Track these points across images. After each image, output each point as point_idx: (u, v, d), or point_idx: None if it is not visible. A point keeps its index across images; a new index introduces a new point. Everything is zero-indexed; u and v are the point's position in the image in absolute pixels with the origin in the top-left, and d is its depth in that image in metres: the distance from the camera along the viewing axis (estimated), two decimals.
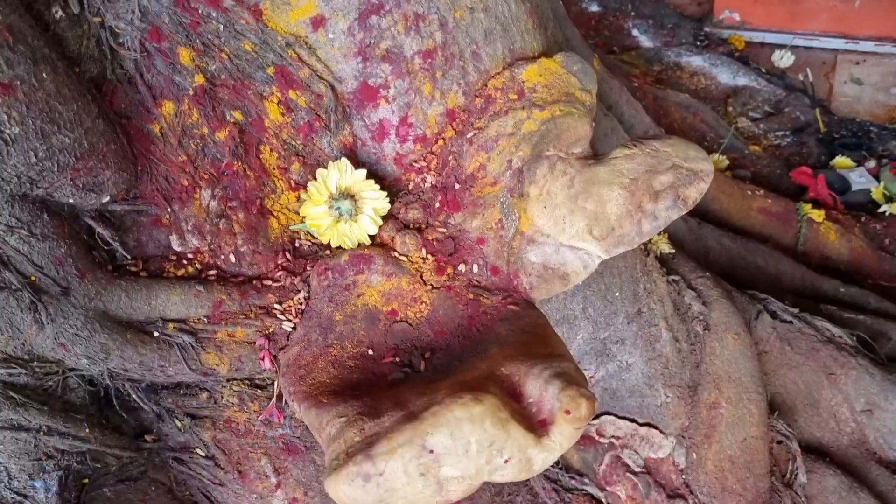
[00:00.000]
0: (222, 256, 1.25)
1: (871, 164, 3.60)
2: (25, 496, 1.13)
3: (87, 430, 1.16)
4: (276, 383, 1.27)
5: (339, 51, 1.23)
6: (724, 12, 4.70)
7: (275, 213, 1.31)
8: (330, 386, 1.10)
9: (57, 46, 1.08)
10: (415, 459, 0.92)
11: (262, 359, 1.22)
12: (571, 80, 1.33)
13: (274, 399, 1.27)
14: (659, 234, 2.09)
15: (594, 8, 4.86)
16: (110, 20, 1.10)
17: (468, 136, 1.28)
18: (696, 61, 4.41)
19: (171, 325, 1.18)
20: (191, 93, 1.18)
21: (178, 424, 1.25)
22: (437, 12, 1.24)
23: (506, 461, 0.94)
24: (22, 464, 1.11)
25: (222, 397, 1.27)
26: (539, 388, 1.00)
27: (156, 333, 1.17)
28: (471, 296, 1.20)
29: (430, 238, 1.25)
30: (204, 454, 1.27)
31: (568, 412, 0.96)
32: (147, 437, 1.25)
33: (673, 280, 1.99)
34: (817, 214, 3.02)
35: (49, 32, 1.08)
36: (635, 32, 4.68)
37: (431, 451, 0.92)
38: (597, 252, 1.22)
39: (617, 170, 1.22)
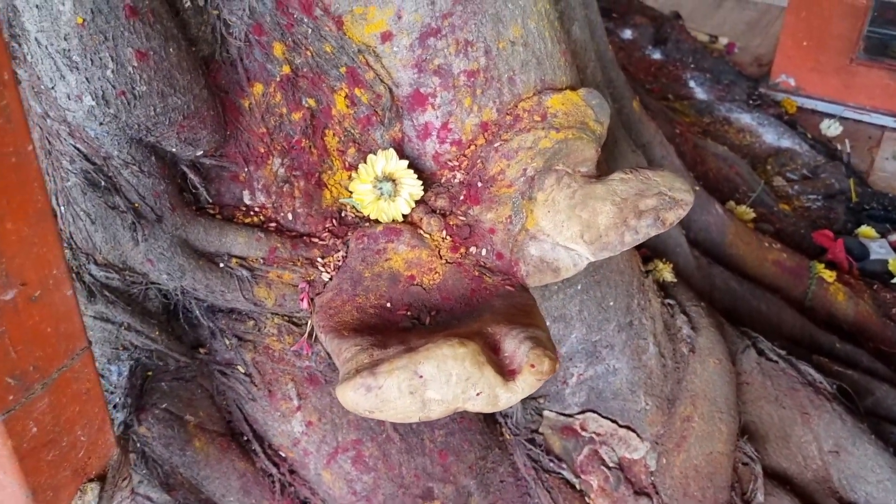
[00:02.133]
0: (282, 214, 1.54)
1: (895, 237, 3.77)
2: (102, 376, 1.42)
3: (157, 333, 1.45)
4: (309, 323, 1.55)
5: (400, 62, 1.51)
6: (780, 76, 4.91)
7: (329, 187, 1.60)
8: (351, 324, 1.38)
9: (182, 28, 1.38)
10: (407, 380, 1.19)
11: (302, 299, 1.50)
12: (588, 111, 1.59)
13: (305, 335, 1.55)
14: (664, 263, 2.33)
15: (657, 56, 5.09)
16: (225, 14, 1.40)
17: (495, 145, 1.56)
18: (744, 118, 4.62)
19: (234, 260, 1.47)
20: (277, 79, 1.48)
21: (227, 343, 1.53)
22: (484, 41, 1.52)
23: (477, 394, 1.21)
24: (104, 349, 1.41)
25: (265, 327, 1.55)
26: (514, 346, 1.26)
27: (221, 265, 1.47)
28: (476, 273, 1.47)
29: (451, 223, 1.52)
30: (243, 371, 1.56)
31: (533, 366, 1.22)
32: (201, 350, 1.54)
33: (668, 303, 2.23)
34: (829, 275, 3.22)
35: (178, 17, 1.38)
36: (692, 84, 4.90)
37: (421, 377, 1.19)
38: (585, 254, 1.48)
39: (612, 189, 1.48)
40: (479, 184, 1.54)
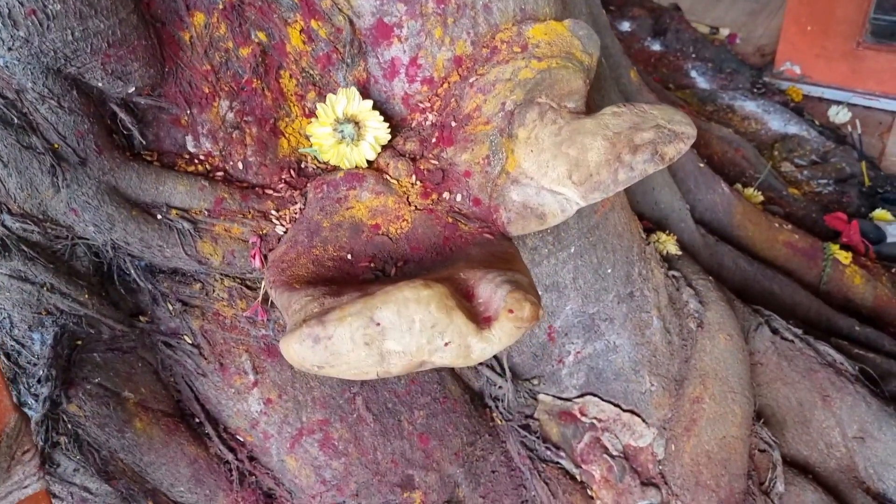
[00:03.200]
0: (231, 162, 1.36)
1: None
2: (23, 345, 1.24)
3: (87, 296, 1.27)
4: (263, 284, 1.37)
5: None
6: (785, 63, 4.74)
7: (286, 135, 1.42)
8: (306, 278, 1.20)
9: None
10: (361, 329, 1.00)
11: (254, 256, 1.32)
12: (575, 42, 1.42)
13: (259, 298, 1.37)
14: (668, 235, 2.14)
15: (656, 47, 4.93)
16: None
17: (470, 80, 1.38)
18: (749, 106, 4.45)
19: (174, 211, 1.30)
20: (221, 7, 1.31)
21: (170, 308, 1.35)
22: None
23: (445, 344, 1.02)
24: (24, 314, 1.23)
25: (214, 290, 1.37)
26: (490, 291, 1.08)
27: (159, 216, 1.29)
28: (450, 220, 1.28)
29: (421, 167, 1.34)
30: (190, 342, 1.37)
31: (511, 311, 1.03)
32: (141, 318, 1.36)
33: (673, 276, 2.04)
34: (844, 256, 3.02)
35: None
36: (693, 73, 4.74)
37: (378, 324, 1.01)
38: (574, 198, 1.30)
39: (603, 123, 1.30)
40: (453, 123, 1.36)
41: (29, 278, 1.22)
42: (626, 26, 5.05)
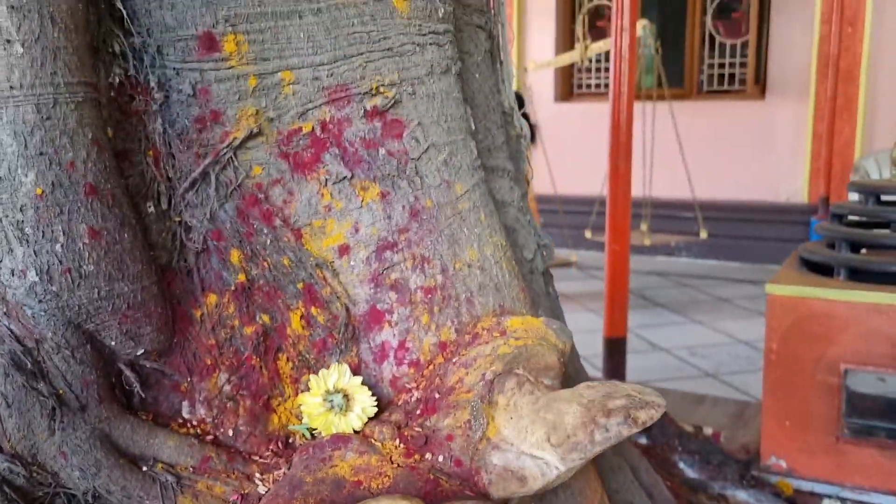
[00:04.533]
0: (222, 430, 1.41)
1: None
2: None
3: None
4: None
5: (357, 277, 1.52)
6: (770, 458, 4.80)
7: (278, 412, 1.49)
8: None
9: (142, 229, 1.41)
10: None
11: None
12: (549, 332, 1.56)
13: None
14: None
15: (642, 440, 5.05)
16: (186, 217, 1.45)
17: (453, 360, 1.49)
18: (741, 495, 4.42)
19: (160, 464, 1.31)
20: (232, 288, 1.47)
21: None
22: (441, 259, 1.55)
23: None
24: None
25: None
26: None
27: (144, 468, 1.30)
28: (432, 476, 1.30)
29: (405, 433, 1.39)
30: None
31: None
32: None
33: None
34: None
35: (140, 219, 1.42)
36: (682, 465, 4.78)
37: None
38: (554, 461, 1.33)
39: (578, 393, 1.39)
40: (437, 395, 1.45)
41: None
42: None
